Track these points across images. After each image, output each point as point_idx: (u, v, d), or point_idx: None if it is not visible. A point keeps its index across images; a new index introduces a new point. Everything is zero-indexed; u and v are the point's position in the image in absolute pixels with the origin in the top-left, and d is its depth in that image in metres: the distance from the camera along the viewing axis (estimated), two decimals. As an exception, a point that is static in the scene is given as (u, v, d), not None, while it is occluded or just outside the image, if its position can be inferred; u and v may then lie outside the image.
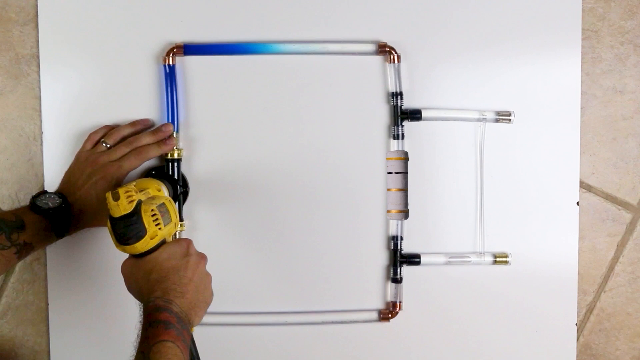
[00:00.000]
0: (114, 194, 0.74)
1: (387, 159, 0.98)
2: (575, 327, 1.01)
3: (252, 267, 0.98)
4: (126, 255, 0.79)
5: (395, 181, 0.98)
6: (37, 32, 0.94)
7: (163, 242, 0.79)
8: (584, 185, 1.01)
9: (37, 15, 0.94)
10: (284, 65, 0.96)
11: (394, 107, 0.96)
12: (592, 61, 1.00)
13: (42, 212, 0.85)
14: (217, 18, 0.95)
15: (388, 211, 0.98)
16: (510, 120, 0.97)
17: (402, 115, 0.96)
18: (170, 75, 0.94)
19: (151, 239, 0.76)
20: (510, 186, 0.99)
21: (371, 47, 0.95)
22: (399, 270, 0.97)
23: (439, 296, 0.99)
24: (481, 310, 1.00)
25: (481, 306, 1.00)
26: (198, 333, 0.78)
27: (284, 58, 0.96)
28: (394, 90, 0.96)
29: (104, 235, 0.88)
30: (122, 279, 0.79)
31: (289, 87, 0.96)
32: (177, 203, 0.92)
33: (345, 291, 0.99)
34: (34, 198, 0.86)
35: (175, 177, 0.93)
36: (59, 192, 0.88)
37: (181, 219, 0.93)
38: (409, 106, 0.96)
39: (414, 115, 0.96)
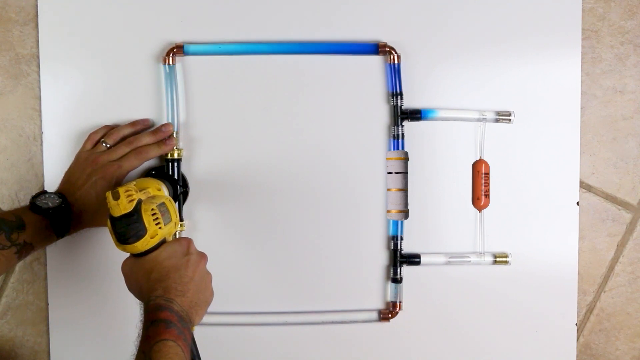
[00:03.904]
0: (114, 194, 0.74)
1: (387, 159, 0.98)
2: (575, 327, 1.01)
3: (252, 267, 0.98)
4: (126, 255, 0.79)
5: (395, 181, 0.98)
6: (37, 32, 0.94)
7: (163, 242, 0.79)
8: (584, 185, 1.01)
9: (37, 15, 0.94)
10: (284, 65, 0.96)
11: (394, 107, 0.96)
12: (592, 61, 1.00)
13: (42, 212, 0.85)
14: (217, 18, 0.95)
15: (388, 211, 0.98)
16: (510, 120, 0.97)
17: (402, 115, 0.96)
18: (170, 75, 0.94)
19: (151, 238, 0.76)
20: (510, 186, 0.99)
21: (371, 47, 0.95)
22: (399, 270, 0.97)
23: (439, 296, 0.99)
24: (481, 310, 1.00)
25: (481, 306, 1.00)
26: (198, 333, 0.78)
27: (284, 58, 0.96)
28: (394, 90, 0.96)
29: (104, 235, 0.88)
30: (123, 278, 0.79)
31: (289, 87, 0.96)
32: (177, 203, 0.92)
33: (345, 291, 0.99)
34: (34, 198, 0.86)
35: (175, 177, 0.93)
36: (59, 192, 0.88)
37: (181, 219, 0.93)
38: (409, 106, 0.96)
39: (414, 115, 0.96)
